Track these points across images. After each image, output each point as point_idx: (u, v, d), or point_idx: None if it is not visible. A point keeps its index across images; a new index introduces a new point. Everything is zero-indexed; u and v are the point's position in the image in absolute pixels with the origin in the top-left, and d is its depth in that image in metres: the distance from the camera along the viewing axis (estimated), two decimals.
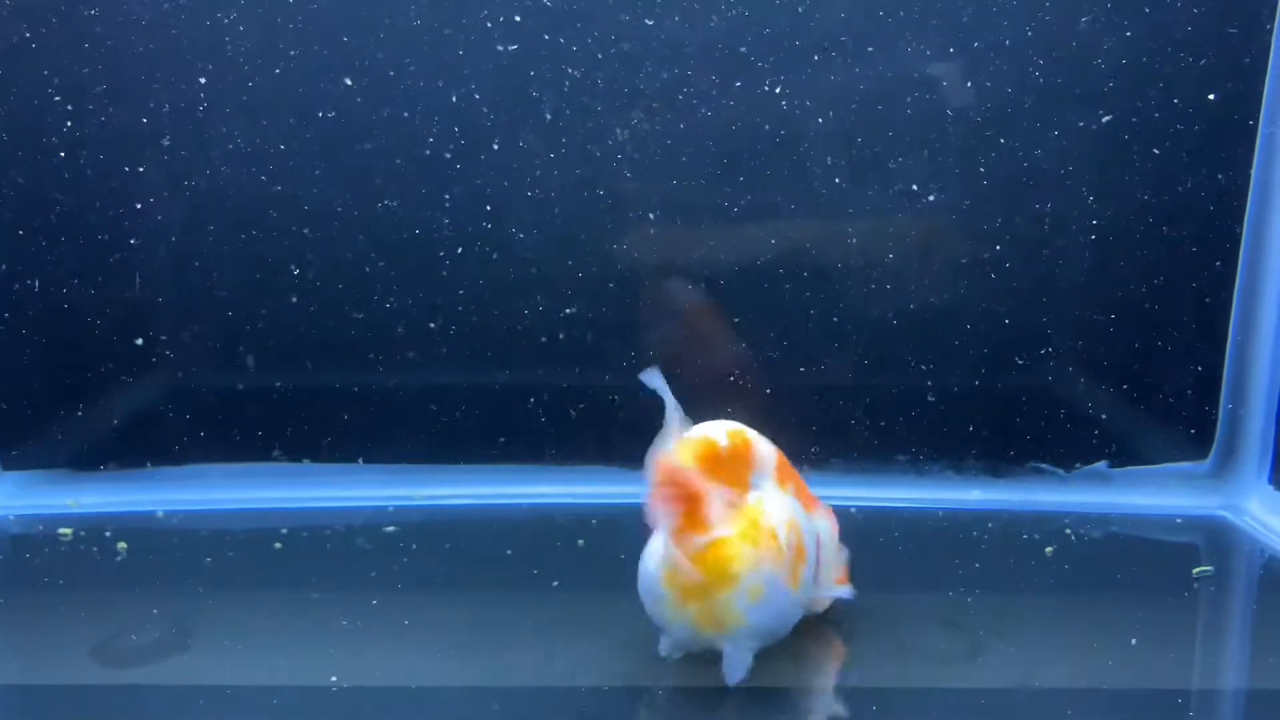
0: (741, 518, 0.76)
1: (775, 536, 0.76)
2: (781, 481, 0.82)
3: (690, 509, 0.74)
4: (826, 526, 0.87)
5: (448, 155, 1.11)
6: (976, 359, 1.15)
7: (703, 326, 1.15)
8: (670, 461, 0.74)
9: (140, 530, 1.07)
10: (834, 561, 0.87)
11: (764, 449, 0.82)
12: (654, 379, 0.76)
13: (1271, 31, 1.08)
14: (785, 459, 0.84)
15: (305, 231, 1.12)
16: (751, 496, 0.79)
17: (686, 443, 0.77)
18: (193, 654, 0.84)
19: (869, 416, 1.16)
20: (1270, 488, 1.14)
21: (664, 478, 0.74)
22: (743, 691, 0.77)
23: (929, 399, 1.16)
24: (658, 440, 0.76)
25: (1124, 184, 1.11)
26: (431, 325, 1.14)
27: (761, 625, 0.76)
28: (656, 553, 0.77)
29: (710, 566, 0.74)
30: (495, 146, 1.11)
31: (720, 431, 0.80)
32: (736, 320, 1.14)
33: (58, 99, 1.09)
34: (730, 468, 0.78)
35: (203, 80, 1.09)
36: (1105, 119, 1.03)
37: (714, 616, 0.75)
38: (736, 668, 0.76)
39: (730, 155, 1.11)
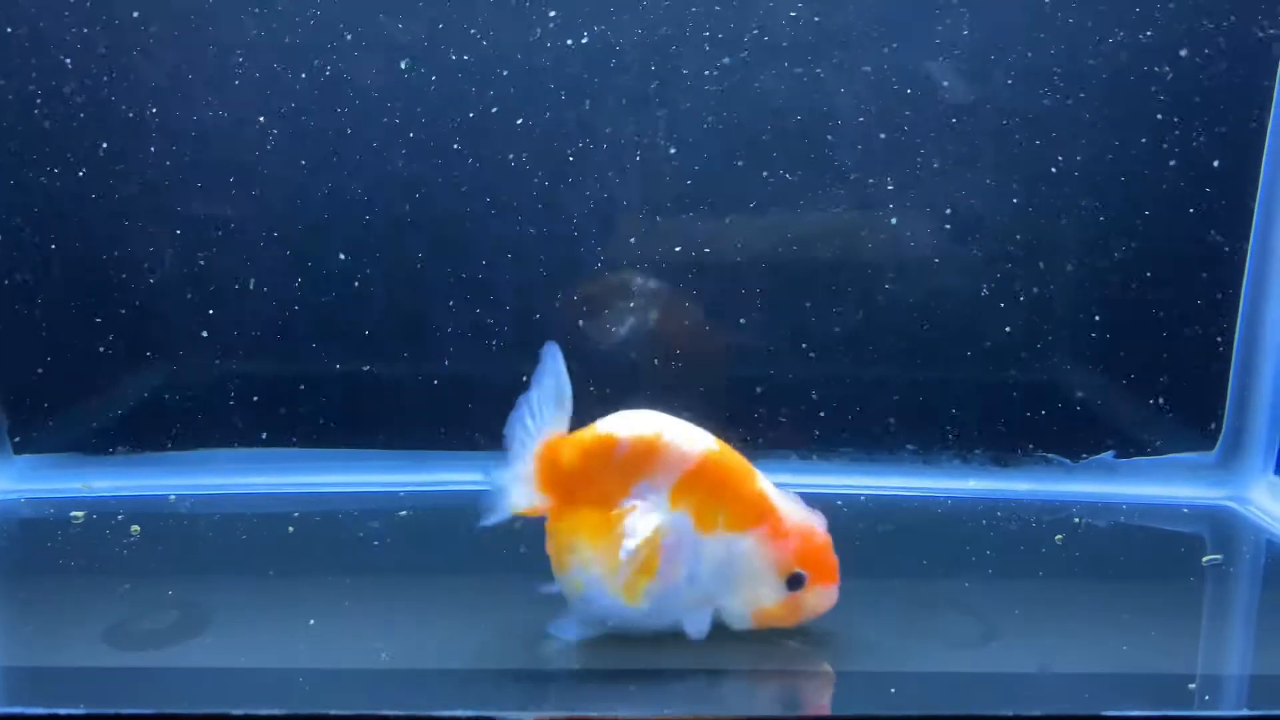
0: (601, 520, 0.79)
1: (618, 545, 0.79)
2: (685, 495, 0.80)
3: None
4: (754, 549, 0.81)
5: (458, 146, 1.11)
6: (984, 350, 1.15)
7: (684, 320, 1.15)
8: None
9: (152, 514, 1.07)
10: (756, 589, 0.82)
11: (671, 459, 0.80)
12: (554, 355, 0.82)
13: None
14: (716, 468, 0.81)
15: (317, 218, 1.12)
16: (626, 503, 0.80)
17: (582, 434, 0.82)
18: (207, 636, 0.84)
19: (877, 406, 1.17)
20: (1276, 478, 1.15)
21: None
22: (761, 672, 0.78)
23: (937, 390, 1.16)
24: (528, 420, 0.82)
25: (1129, 174, 1.12)
26: (445, 311, 1.14)
27: (583, 614, 0.81)
28: None
29: (554, 547, 0.82)
30: (507, 136, 1.11)
31: (627, 428, 0.81)
32: (749, 311, 1.15)
33: (71, 85, 1.09)
34: (617, 469, 0.80)
35: (217, 73, 1.09)
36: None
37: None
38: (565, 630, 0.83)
39: (741, 148, 1.11)
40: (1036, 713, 0.69)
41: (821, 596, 0.81)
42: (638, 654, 0.81)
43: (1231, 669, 0.86)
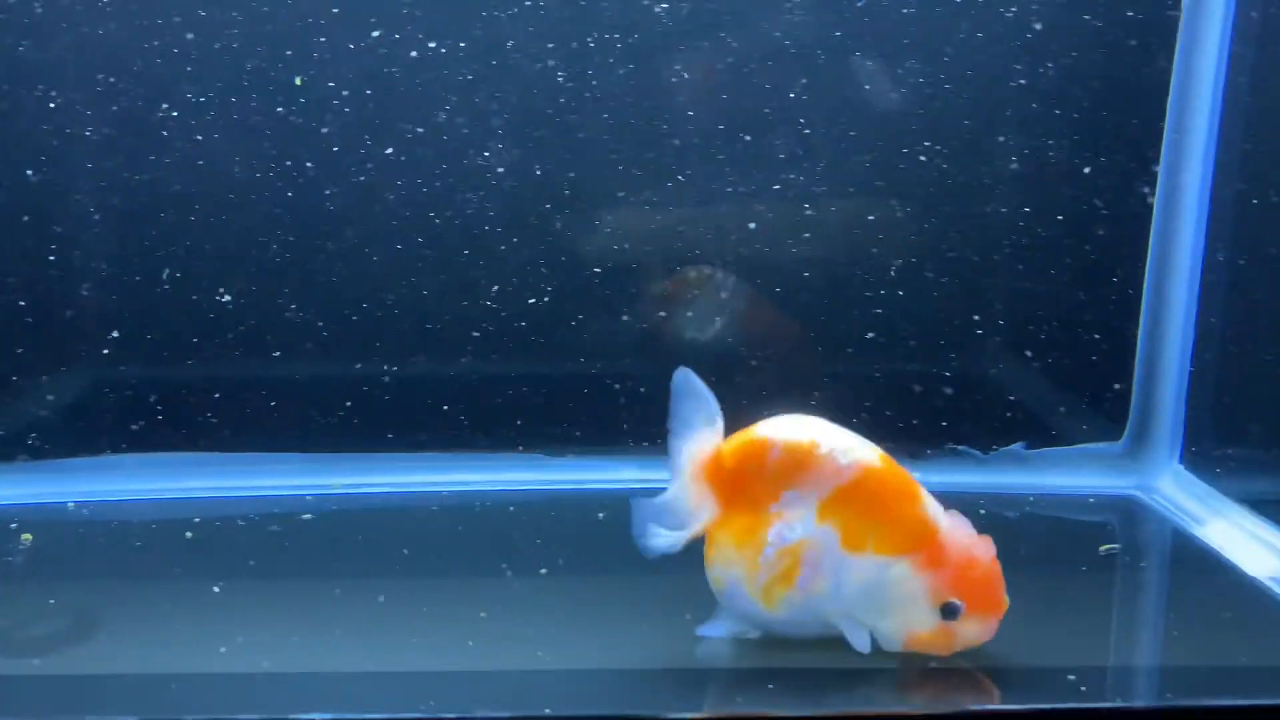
0: (749, 523, 0.80)
1: (759, 550, 0.79)
2: (834, 511, 0.79)
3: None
4: (906, 575, 0.78)
5: (387, 140, 1.10)
6: (895, 343, 1.16)
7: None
8: None
9: (49, 522, 1.06)
10: (907, 614, 0.79)
11: (823, 471, 0.79)
12: (688, 378, 0.81)
13: (1178, 20, 1.10)
14: (872, 486, 0.79)
15: (224, 221, 1.11)
16: (774, 509, 0.79)
17: (739, 436, 0.81)
18: (94, 644, 0.83)
19: (789, 400, 1.16)
20: (1181, 467, 1.16)
21: None
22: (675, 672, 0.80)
23: (847, 383, 1.17)
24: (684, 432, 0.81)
25: (1035, 166, 1.13)
26: (352, 314, 1.13)
27: (726, 613, 0.82)
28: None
29: (707, 544, 0.82)
30: (441, 130, 1.10)
31: (782, 434, 0.80)
32: (658, 311, 1.15)
33: None
34: (769, 474, 0.80)
35: (137, 70, 1.08)
36: None
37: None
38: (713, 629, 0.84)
39: (660, 143, 1.11)
40: (899, 709, 0.69)
41: (978, 628, 0.78)
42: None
43: (1135, 659, 0.87)
